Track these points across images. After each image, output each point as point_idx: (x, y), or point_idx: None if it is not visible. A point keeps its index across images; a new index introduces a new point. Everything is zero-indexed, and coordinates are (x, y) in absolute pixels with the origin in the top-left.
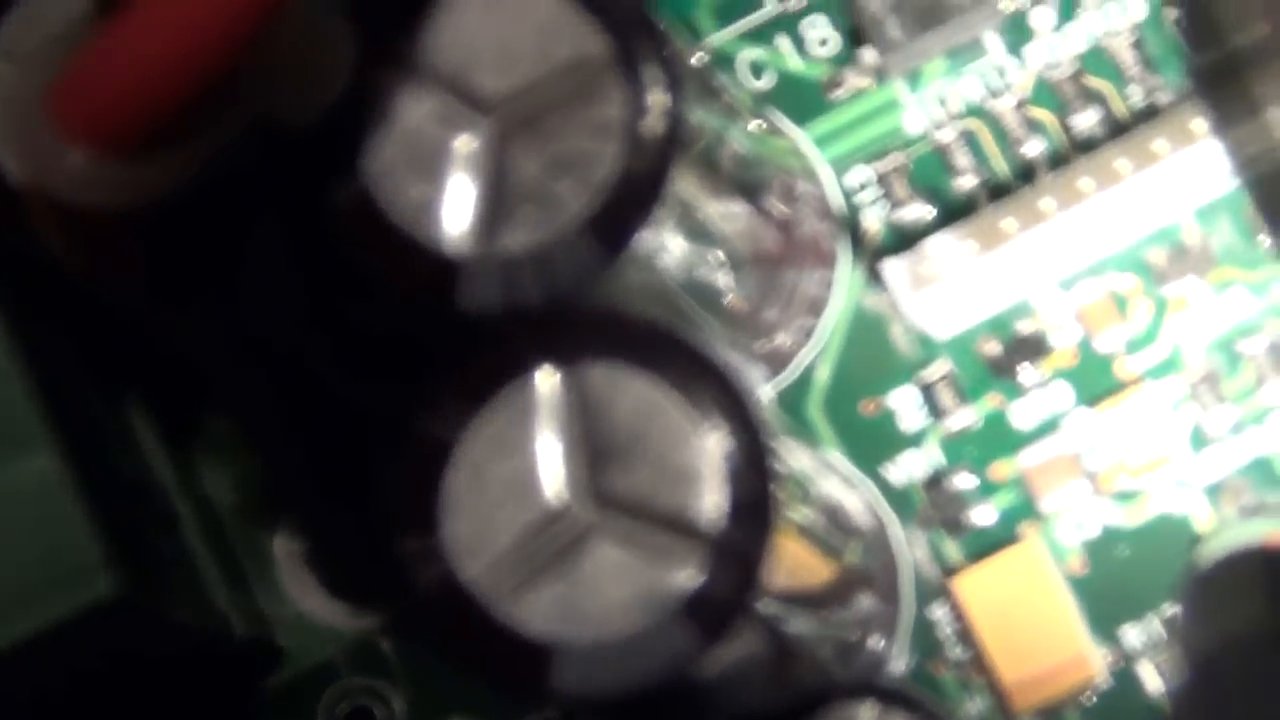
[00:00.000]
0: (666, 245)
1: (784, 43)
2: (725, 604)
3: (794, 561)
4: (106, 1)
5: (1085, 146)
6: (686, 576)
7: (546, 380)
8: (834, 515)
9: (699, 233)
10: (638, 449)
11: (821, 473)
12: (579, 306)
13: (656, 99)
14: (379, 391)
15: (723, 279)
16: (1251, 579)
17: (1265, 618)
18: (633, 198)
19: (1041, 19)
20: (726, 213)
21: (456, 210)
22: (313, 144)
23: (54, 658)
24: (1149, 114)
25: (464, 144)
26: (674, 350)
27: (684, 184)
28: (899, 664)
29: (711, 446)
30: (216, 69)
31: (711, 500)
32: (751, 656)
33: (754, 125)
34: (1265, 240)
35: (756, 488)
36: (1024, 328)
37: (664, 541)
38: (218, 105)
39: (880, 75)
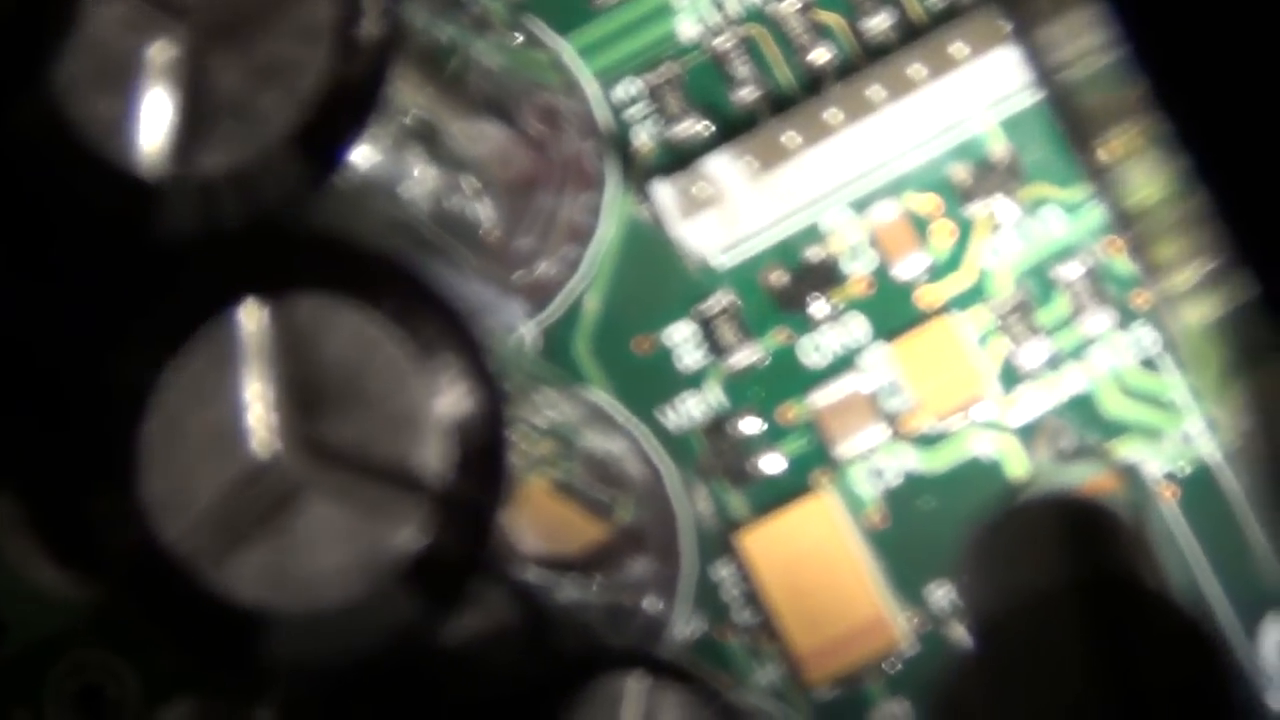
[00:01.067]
0: (413, 173)
1: None
2: (455, 565)
3: (556, 522)
4: None
5: (877, 52)
6: (409, 535)
7: (251, 316)
8: (602, 468)
9: (448, 159)
10: (354, 392)
11: (588, 420)
12: (287, 232)
13: (367, 1)
14: (71, 333)
15: (477, 208)
16: (1043, 529)
17: (1057, 574)
18: (345, 109)
19: None
20: (478, 134)
21: (150, 127)
22: None
23: None
24: (947, 15)
25: (157, 52)
26: (395, 280)
27: (430, 105)
28: (680, 630)
29: (436, 388)
30: None
31: (436, 449)
32: (502, 626)
33: (510, 37)
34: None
35: (488, 434)
36: (813, 254)
37: (383, 496)
38: None
39: None
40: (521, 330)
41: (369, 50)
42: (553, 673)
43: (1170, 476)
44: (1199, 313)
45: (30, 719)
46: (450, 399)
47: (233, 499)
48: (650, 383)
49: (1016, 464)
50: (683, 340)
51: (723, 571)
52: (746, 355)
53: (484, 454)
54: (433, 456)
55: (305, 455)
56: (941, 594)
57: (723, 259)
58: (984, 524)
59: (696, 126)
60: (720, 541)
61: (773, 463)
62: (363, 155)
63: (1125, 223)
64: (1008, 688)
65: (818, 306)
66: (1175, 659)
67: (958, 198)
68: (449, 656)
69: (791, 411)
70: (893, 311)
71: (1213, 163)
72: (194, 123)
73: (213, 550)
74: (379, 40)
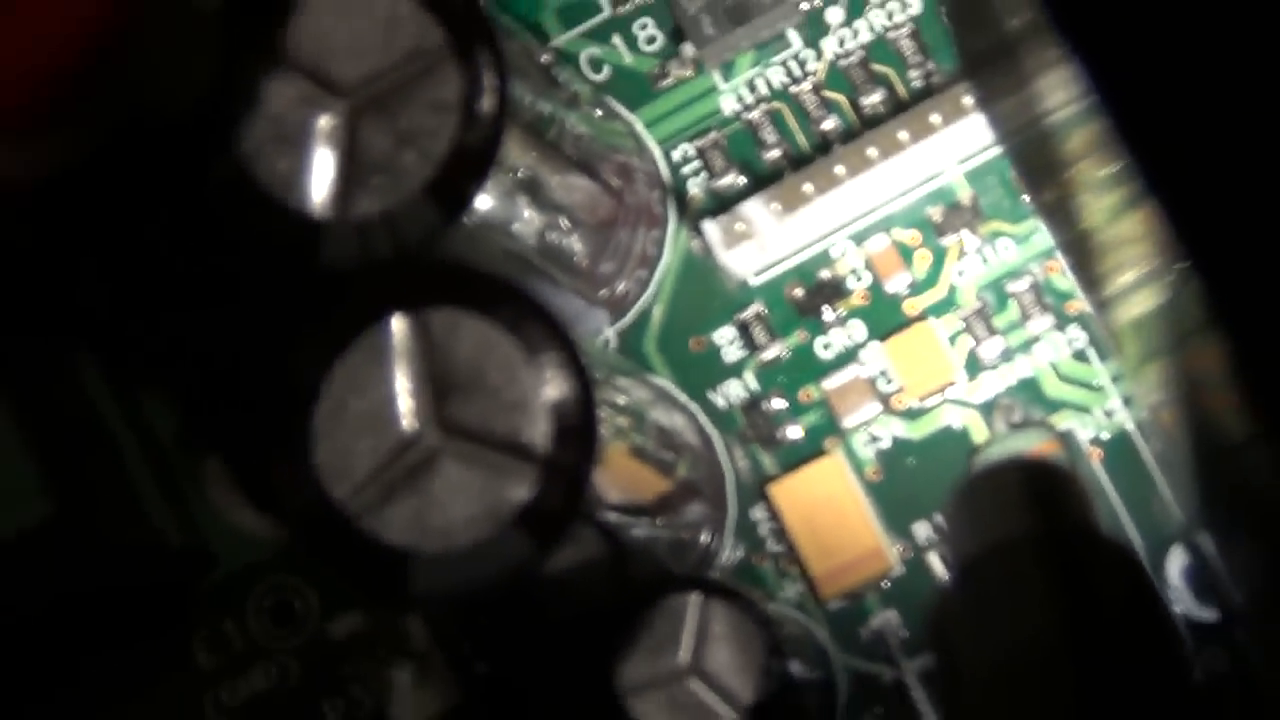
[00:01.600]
0: (522, 214)
1: (617, 41)
2: (556, 515)
3: (633, 477)
4: None
5: (872, 122)
6: (521, 492)
7: (398, 325)
8: (666, 436)
9: (548, 204)
10: (477, 383)
11: (656, 400)
12: (424, 261)
13: (487, 81)
14: (261, 338)
15: (571, 242)
16: (1010, 486)
17: (1022, 522)
18: (468, 166)
19: (834, 16)
20: (571, 186)
21: (318, 180)
22: (191, 127)
23: None
24: (926, 93)
25: (323, 122)
26: (507, 296)
27: (534, 163)
28: (726, 558)
29: (542, 379)
30: (84, 56)
31: (542, 426)
32: (592, 558)
33: (594, 112)
34: (1027, 199)
35: (582, 413)
36: (824, 274)
37: (502, 462)
38: (92, 92)
39: (699, 66)
40: (605, 334)
41: (487, 120)
42: (629, 593)
43: (1096, 441)
44: (1128, 311)
45: (236, 628)
46: (552, 387)
47: (384, 465)
48: (702, 372)
49: (978, 432)
50: (726, 340)
51: (758, 514)
52: (774, 351)
53: (579, 428)
54: (539, 432)
55: (441, 431)
56: (922, 530)
57: (755, 279)
58: (961, 482)
59: (735, 179)
60: (756, 491)
61: (794, 432)
62: (483, 201)
63: (1066, 247)
64: (983, 616)
65: (827, 314)
66: (1116, 582)
67: (933, 232)
68: (551, 582)
69: (808, 393)
70: (884, 318)
71: (1161, 181)
72: (351, 177)
73: (369, 505)
74: (494, 113)
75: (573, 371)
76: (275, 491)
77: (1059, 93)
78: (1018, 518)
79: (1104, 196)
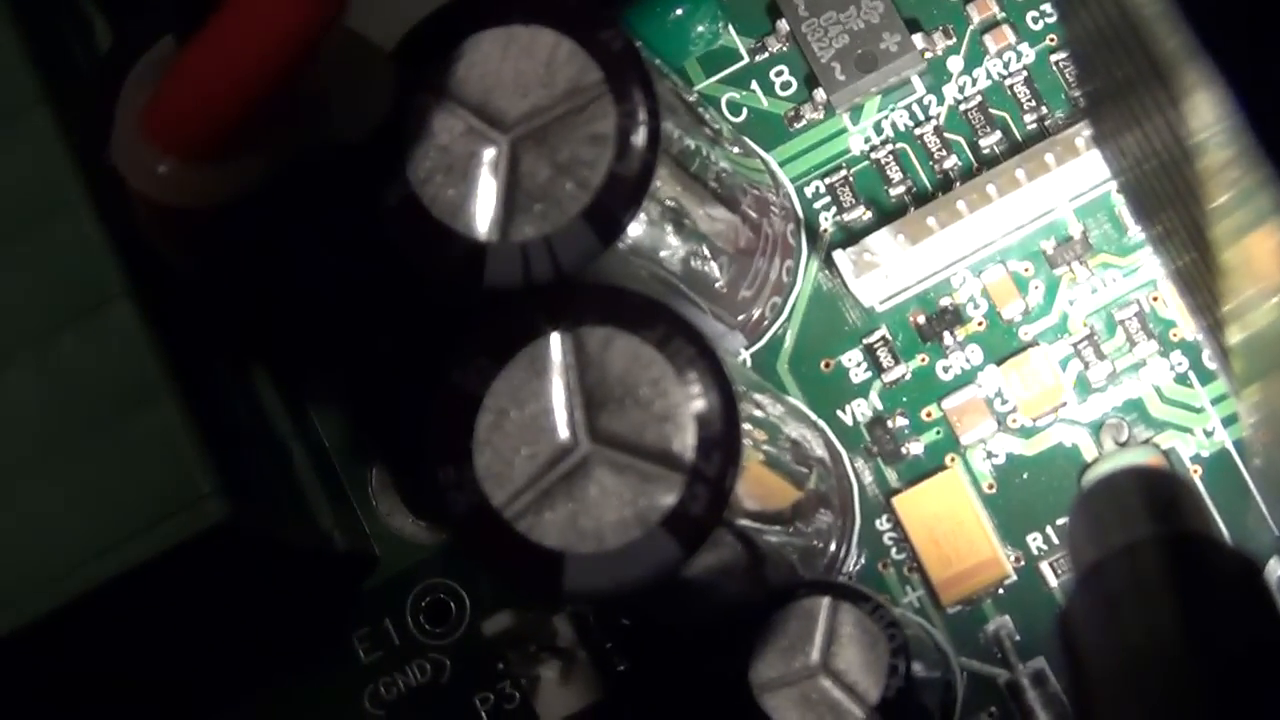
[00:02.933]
0: (668, 242)
1: (755, 86)
2: (700, 521)
3: (767, 487)
4: (183, 34)
5: (990, 161)
6: (668, 499)
7: (555, 342)
8: (799, 450)
9: (693, 233)
10: (630, 397)
11: (789, 417)
12: (582, 283)
13: (640, 117)
14: (427, 353)
15: (711, 268)
16: (1131, 493)
17: (1145, 526)
18: (622, 195)
19: (954, 64)
20: (714, 216)
21: (483, 207)
22: (367, 157)
23: (179, 575)
24: (1040, 135)
25: (488, 155)
26: (659, 317)
27: (680, 195)
28: (852, 565)
29: (690, 395)
30: (271, 90)
31: (689, 439)
32: (732, 562)
33: (733, 149)
34: (1133, 232)
35: (725, 429)
36: (944, 302)
37: (652, 471)
38: (279, 123)
39: (829, 110)
40: (741, 355)
41: (640, 152)
42: (764, 595)
43: (1196, 459)
44: (1237, 332)
45: (395, 626)
46: (699, 401)
47: (541, 472)
48: (831, 391)
49: (1087, 450)
50: (853, 362)
51: (882, 524)
52: (897, 372)
53: (723, 440)
54: (686, 443)
55: (595, 441)
56: (1035, 540)
57: (881, 306)
58: (1082, 491)
59: (862, 214)
60: (880, 503)
61: (916, 447)
62: (633, 228)
63: (1175, 275)
64: (1106, 618)
65: (948, 339)
66: (1236, 585)
67: (1046, 263)
68: (691, 584)
69: (929, 412)
70: (1000, 343)
71: None
72: (513, 204)
73: (526, 510)
74: (647, 145)
75: (718, 387)
76: (437, 497)
77: (1191, 119)
78: (1140, 522)
79: (1225, 220)
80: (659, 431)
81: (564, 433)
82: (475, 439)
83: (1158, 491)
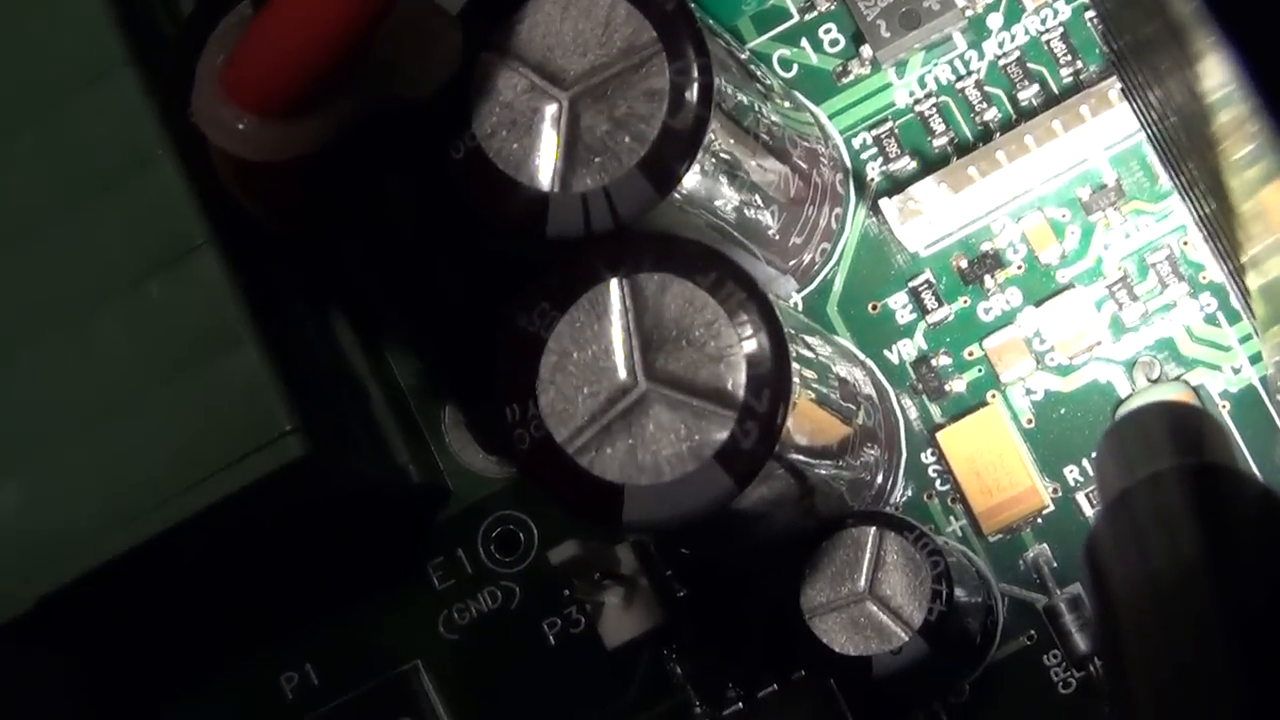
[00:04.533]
0: (723, 192)
1: (804, 44)
2: (751, 455)
3: (817, 423)
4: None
5: (1028, 114)
6: (720, 434)
7: (614, 287)
8: (847, 388)
9: (746, 184)
10: (685, 338)
11: (838, 357)
12: (638, 232)
13: (692, 74)
14: (493, 298)
15: (764, 217)
16: (1157, 425)
17: (1169, 457)
18: (677, 148)
19: (994, 21)
20: (766, 167)
21: (545, 160)
22: (435, 113)
23: (250, 514)
24: (1075, 88)
25: (549, 111)
26: (711, 263)
27: (734, 148)
28: (898, 496)
29: (742, 336)
30: (343, 51)
31: (739, 377)
32: (783, 493)
33: (784, 104)
34: (1164, 180)
35: (775, 368)
36: (985, 247)
37: (706, 408)
38: (351, 82)
39: (875, 65)
40: (793, 299)
41: (692, 108)
42: (815, 525)
43: (1225, 395)
44: (1260, 277)
45: (467, 555)
46: (750, 343)
47: (601, 410)
48: (878, 332)
49: (1121, 386)
50: (899, 305)
51: (926, 458)
52: (941, 314)
53: (773, 379)
54: (738, 381)
55: (652, 380)
56: (1071, 472)
57: (925, 251)
58: (1111, 423)
59: (907, 164)
60: (925, 437)
61: (959, 385)
62: (690, 179)
63: (1202, 221)
64: (1131, 544)
65: (989, 282)
66: (1256, 518)
67: (1081, 210)
68: (746, 514)
69: (971, 351)
70: (1038, 285)
71: None
72: (573, 157)
73: (588, 445)
74: (700, 100)
75: (768, 329)
76: (504, 434)
77: (1206, 79)
78: (1165, 453)
79: (1242, 173)
80: (712, 371)
81: (622, 373)
82: (540, 379)
83: (1183, 424)
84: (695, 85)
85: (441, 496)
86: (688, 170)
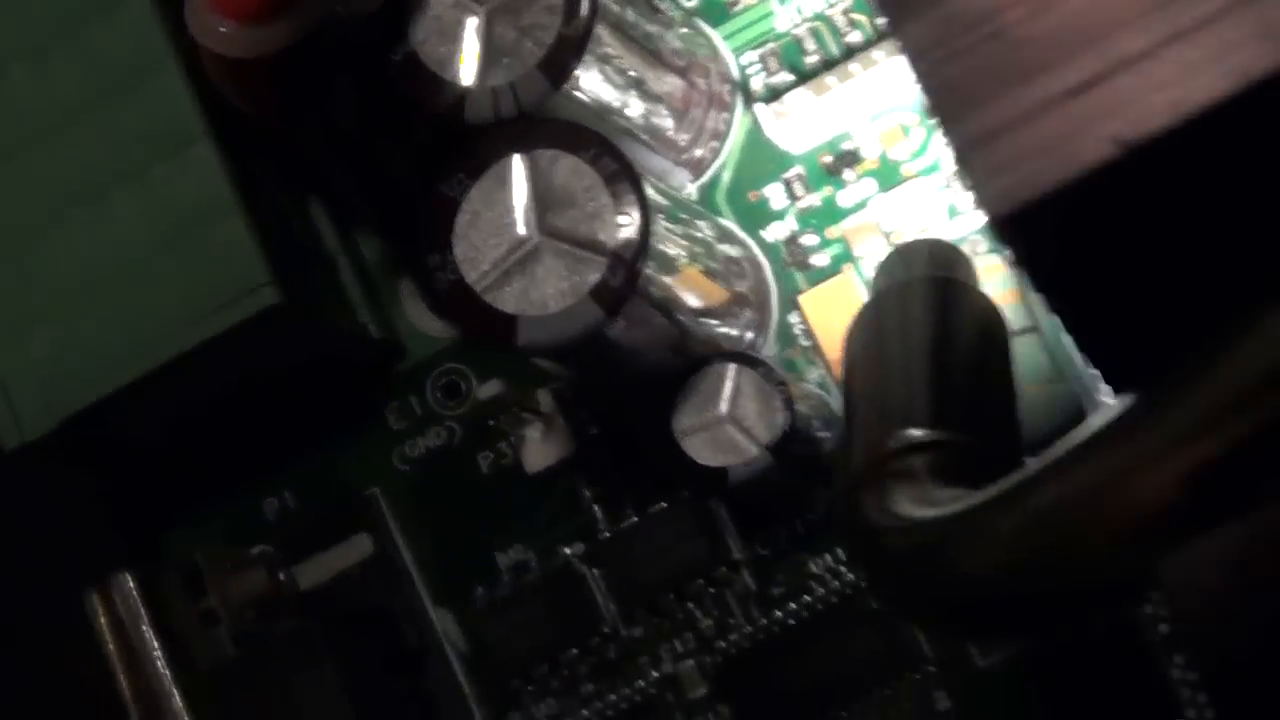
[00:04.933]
0: (629, 101)
1: None
2: (618, 291)
3: (704, 289)
4: None
5: (885, 35)
6: (594, 276)
7: (516, 161)
8: (731, 261)
9: (650, 95)
10: (572, 201)
11: (722, 236)
12: (538, 117)
13: None
14: (419, 176)
15: (663, 121)
16: (919, 251)
17: (919, 271)
18: (569, 51)
19: None
20: (665, 82)
21: (466, 62)
22: (377, 20)
23: (234, 356)
24: None
25: (470, 22)
26: (592, 141)
27: (640, 66)
28: (768, 350)
29: (612, 198)
30: None
31: (610, 231)
32: (666, 340)
33: (682, 29)
34: None
35: (639, 223)
36: (846, 146)
37: (585, 255)
38: None
39: None
40: (688, 188)
41: (583, 20)
42: (686, 362)
43: None
44: None
45: (418, 401)
46: (620, 205)
47: (503, 258)
48: (757, 216)
49: None
50: (775, 194)
51: (792, 319)
52: (808, 201)
53: (636, 233)
54: (610, 235)
55: (544, 234)
56: None
57: (797, 150)
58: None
59: (785, 76)
60: (791, 300)
61: (821, 259)
62: (606, 92)
63: None
64: (874, 320)
65: (848, 174)
66: (975, 318)
67: (925, 115)
68: (625, 349)
69: (832, 231)
70: (888, 176)
71: None
72: (488, 59)
73: (492, 285)
74: (588, 14)
75: (636, 195)
76: (426, 277)
77: None
78: (918, 268)
79: None
80: (590, 226)
81: (521, 228)
82: (455, 233)
83: (939, 251)
84: (585, 1)
85: (398, 352)
86: (576, 67)
